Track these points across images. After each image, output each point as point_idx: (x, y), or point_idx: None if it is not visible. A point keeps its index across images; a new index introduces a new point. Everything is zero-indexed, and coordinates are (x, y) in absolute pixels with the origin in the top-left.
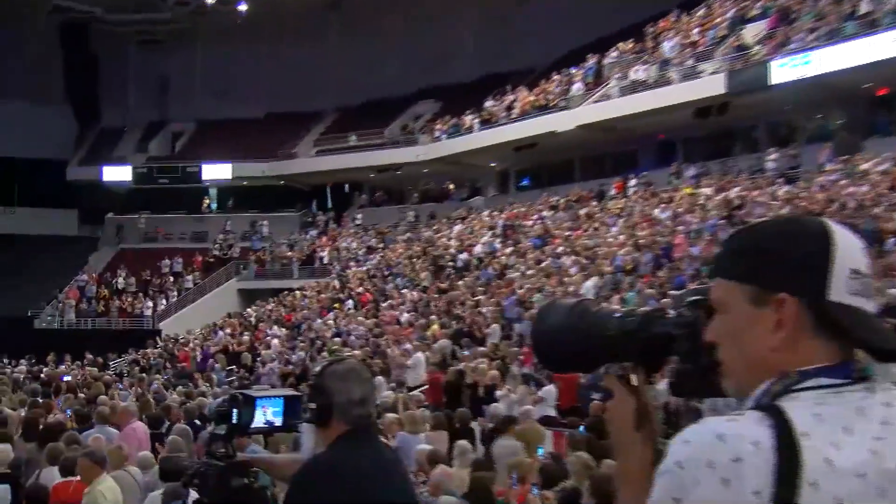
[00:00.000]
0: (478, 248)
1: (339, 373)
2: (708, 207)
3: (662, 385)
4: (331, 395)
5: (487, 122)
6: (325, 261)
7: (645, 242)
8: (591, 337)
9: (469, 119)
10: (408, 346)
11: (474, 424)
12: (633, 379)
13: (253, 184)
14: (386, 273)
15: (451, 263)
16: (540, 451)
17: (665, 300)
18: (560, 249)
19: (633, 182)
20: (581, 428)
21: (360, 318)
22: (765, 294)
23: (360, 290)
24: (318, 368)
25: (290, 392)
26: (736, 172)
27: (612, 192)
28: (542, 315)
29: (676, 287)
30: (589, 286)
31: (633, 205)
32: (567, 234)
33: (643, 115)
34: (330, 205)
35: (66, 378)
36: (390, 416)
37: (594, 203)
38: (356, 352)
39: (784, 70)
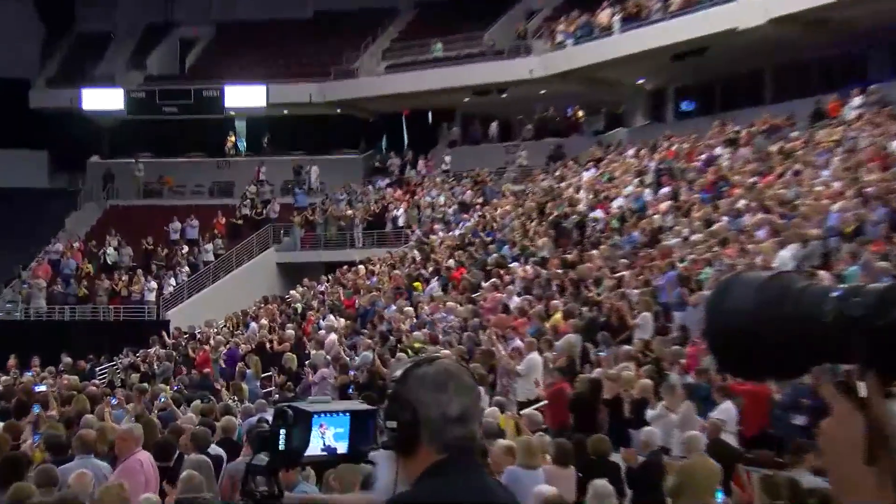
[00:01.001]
0: (619, 203)
1: (428, 378)
2: None
3: None
4: (418, 410)
5: (634, 19)
6: (401, 223)
7: (875, 192)
8: (795, 327)
9: (606, 15)
10: (518, 343)
11: (616, 457)
12: (862, 388)
13: (297, 113)
14: (487, 240)
15: (579, 225)
16: (718, 498)
17: None
18: (741, 204)
19: (856, 101)
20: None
21: (450, 304)
22: None
23: (451, 263)
24: (398, 373)
25: (359, 406)
26: None
27: (824, 116)
28: (720, 296)
29: None
30: (786, 257)
31: (855, 135)
32: (752, 180)
33: None
34: (406, 143)
35: (38, 388)
36: (497, 443)
37: (794, 134)
38: (445, 351)
39: None
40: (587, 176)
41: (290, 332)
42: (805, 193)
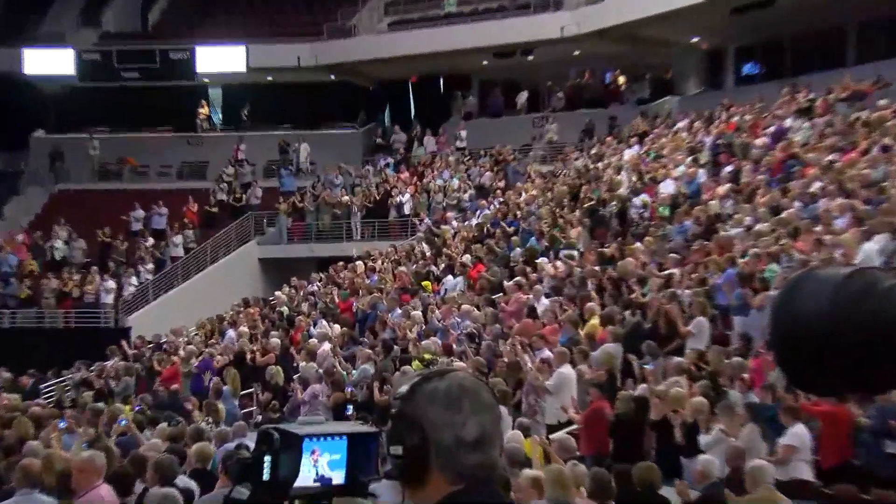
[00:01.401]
0: (667, 187)
1: (440, 395)
2: None
3: None
4: (427, 433)
5: None
6: (407, 210)
7: None
8: (881, 332)
9: None
10: (548, 353)
11: (667, 490)
12: None
13: (283, 80)
14: (510, 230)
15: (620, 213)
16: None
17: None
18: (817, 187)
19: None
20: None
21: (466, 307)
22: None
23: (467, 258)
24: (404, 388)
25: (358, 428)
26: None
27: None
28: (790, 296)
29: None
30: (872, 251)
31: None
32: (830, 158)
33: None
34: (414, 115)
35: None
36: (522, 473)
37: (883, 102)
38: (460, 363)
39: None
40: (630, 154)
41: (274, 340)
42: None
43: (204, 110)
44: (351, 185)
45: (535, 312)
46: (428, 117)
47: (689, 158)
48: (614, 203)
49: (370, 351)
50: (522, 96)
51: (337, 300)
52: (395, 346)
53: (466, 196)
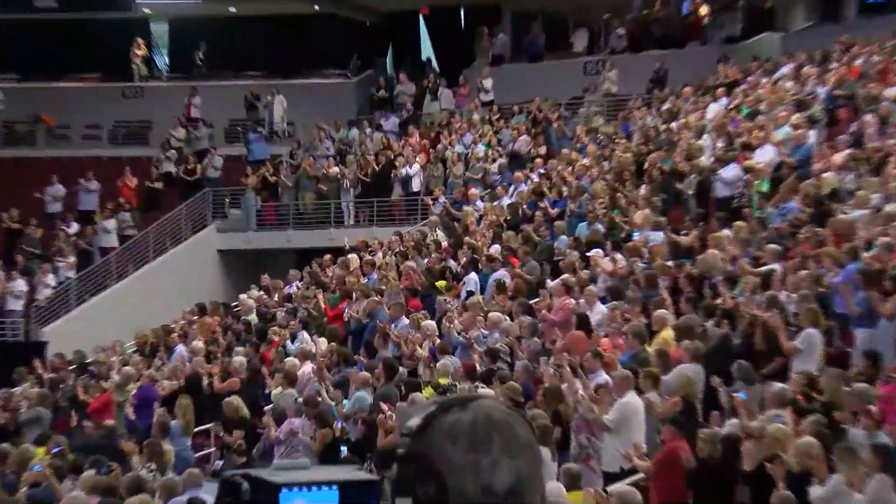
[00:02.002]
0: (766, 154)
1: (462, 430)
2: None
3: None
4: (445, 479)
5: None
6: (416, 186)
7: None
8: None
9: None
10: (605, 377)
11: None
12: None
13: (251, 13)
14: (553, 213)
15: (702, 189)
16: None
17: None
18: None
19: None
20: None
21: (494, 315)
22: None
23: (496, 250)
24: (415, 422)
25: (352, 475)
26: None
27: None
28: None
29: None
30: None
31: None
32: None
33: None
34: (426, 58)
35: None
36: None
37: None
38: (488, 390)
39: None
40: (715, 110)
41: (239, 360)
42: None
43: (142, 51)
44: (341, 152)
45: (588, 322)
46: (444, 62)
47: (796, 116)
48: (693, 176)
49: (367, 374)
50: (579, 35)
51: (323, 306)
52: (401, 368)
53: (495, 167)
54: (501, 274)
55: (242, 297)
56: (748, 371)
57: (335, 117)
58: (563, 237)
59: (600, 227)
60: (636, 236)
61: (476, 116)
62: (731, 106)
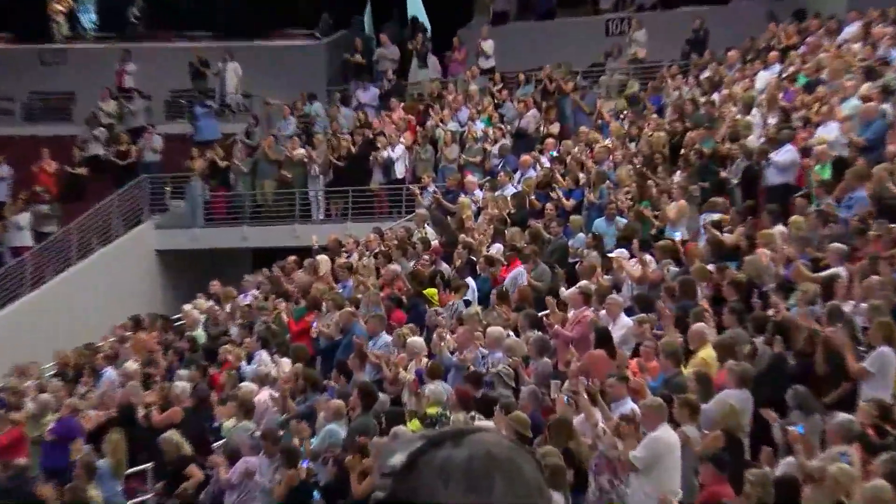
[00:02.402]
0: (829, 132)
1: (456, 468)
2: None
3: None
4: None
5: None
6: (399, 172)
7: None
8: None
9: None
10: (631, 405)
11: None
12: None
13: None
14: (569, 203)
15: (749, 176)
16: None
17: None
18: None
19: None
20: None
21: (495, 331)
22: None
23: (497, 250)
24: (398, 459)
25: None
26: None
27: None
28: None
29: None
30: None
31: None
32: None
33: None
34: (412, 16)
35: None
36: None
37: None
38: (486, 422)
39: None
40: (765, 79)
41: (182, 385)
42: None
43: (64, 4)
44: (309, 131)
45: (610, 339)
46: (435, 20)
47: (866, 86)
48: (740, 160)
49: (340, 402)
50: None
51: (286, 319)
52: (381, 395)
53: (496, 149)
54: (517, 273)
55: (187, 307)
56: (807, 398)
57: (301, 88)
58: (580, 235)
59: (622, 222)
60: (677, 236)
61: (473, 87)
62: (786, 74)
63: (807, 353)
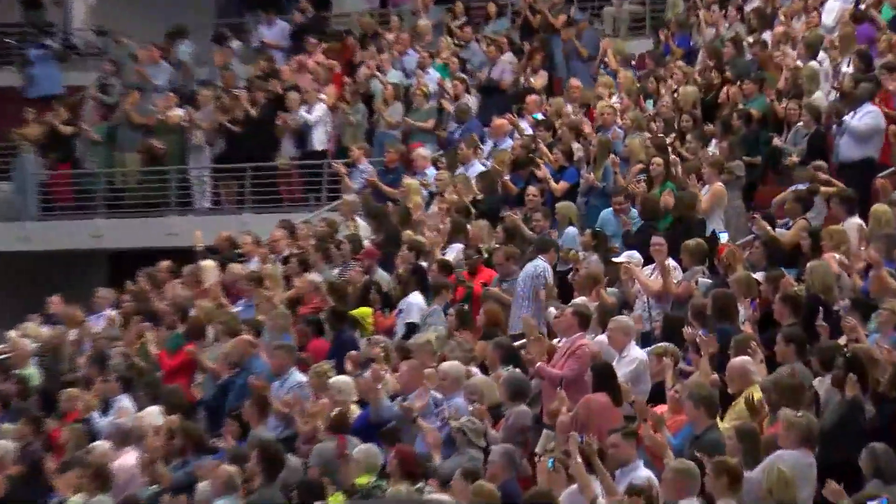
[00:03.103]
0: None
1: None
2: None
3: None
4: None
5: None
6: (319, 141)
7: None
8: None
9: None
10: (643, 473)
11: None
12: None
13: None
14: (558, 186)
15: (813, 146)
16: None
17: None
18: None
19: None
20: None
21: (451, 367)
22: None
23: (457, 252)
24: None
25: None
26: None
27: None
28: None
29: None
30: None
31: None
32: None
33: None
34: None
35: None
36: None
37: None
38: (441, 496)
39: None
40: (836, 10)
41: (5, 445)
42: None
43: None
44: (187, 84)
45: (614, 378)
46: None
47: None
48: (800, 125)
49: (232, 468)
50: None
51: (156, 351)
52: (292, 458)
53: (465, 104)
54: (538, 267)
55: (12, 334)
56: (891, 461)
57: (179, 20)
58: (571, 229)
59: (638, 214)
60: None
61: (424, 21)
62: (865, 4)
63: (891, 398)
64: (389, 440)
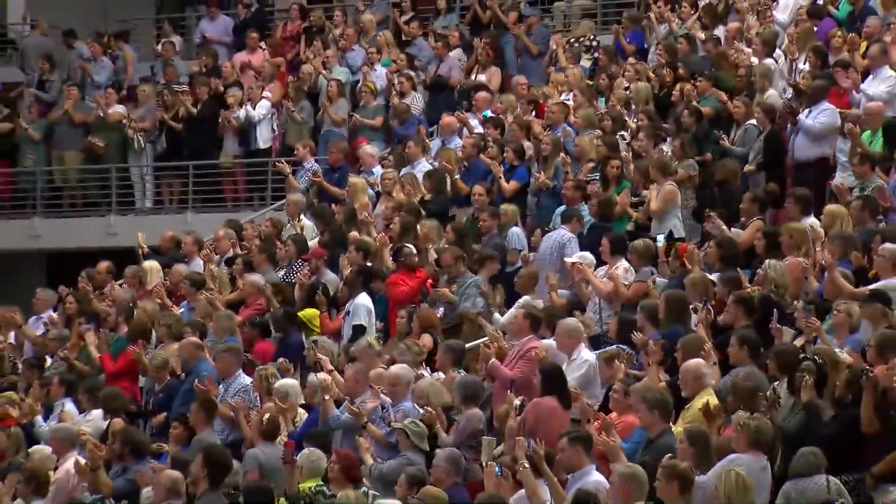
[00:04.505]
0: (878, 85)
1: None
2: None
3: None
4: None
5: None
6: (263, 139)
7: None
8: None
9: None
10: (594, 478)
11: None
12: None
13: None
14: (510, 186)
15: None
16: None
17: None
18: None
19: None
20: None
21: (398, 371)
22: None
23: (403, 256)
24: None
25: None
26: None
27: None
28: None
29: None
30: None
31: None
32: None
33: None
34: None
35: None
36: None
37: None
38: (388, 500)
39: None
40: (791, 6)
41: None
42: None
43: None
44: (122, 79)
45: (564, 382)
46: None
47: None
48: (753, 122)
49: (176, 473)
50: None
51: (97, 355)
52: (237, 463)
53: (404, 103)
54: (564, 236)
55: None
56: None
57: (117, 15)
58: (515, 229)
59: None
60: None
61: (370, 16)
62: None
63: (849, 403)
64: (320, 444)
